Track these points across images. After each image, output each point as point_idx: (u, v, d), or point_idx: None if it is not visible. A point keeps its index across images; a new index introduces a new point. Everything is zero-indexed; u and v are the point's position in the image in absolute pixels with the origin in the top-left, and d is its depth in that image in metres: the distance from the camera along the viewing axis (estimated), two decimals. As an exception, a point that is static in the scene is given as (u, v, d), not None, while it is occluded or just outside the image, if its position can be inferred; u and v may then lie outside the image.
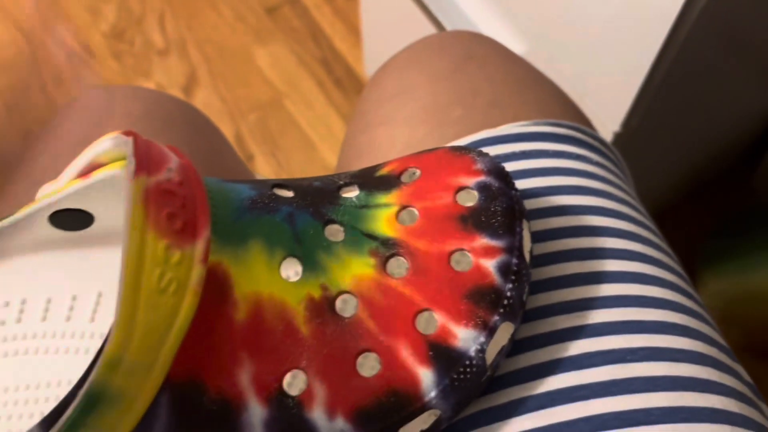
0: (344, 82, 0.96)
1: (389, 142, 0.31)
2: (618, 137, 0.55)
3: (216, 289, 0.19)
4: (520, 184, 0.27)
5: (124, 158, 0.21)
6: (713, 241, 0.76)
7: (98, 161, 0.22)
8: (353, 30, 1.00)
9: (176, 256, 0.18)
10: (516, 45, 0.59)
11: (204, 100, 0.95)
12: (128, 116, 0.32)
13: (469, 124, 0.30)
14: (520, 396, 0.23)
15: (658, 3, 0.43)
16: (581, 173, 0.28)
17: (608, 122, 0.54)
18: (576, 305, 0.24)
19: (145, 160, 0.18)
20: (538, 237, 0.26)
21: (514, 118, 0.30)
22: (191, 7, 1.01)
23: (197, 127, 0.35)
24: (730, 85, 0.63)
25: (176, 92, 0.95)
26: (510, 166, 0.28)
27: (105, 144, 0.20)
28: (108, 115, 0.32)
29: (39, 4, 1.02)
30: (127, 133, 0.19)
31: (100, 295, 0.25)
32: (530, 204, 0.27)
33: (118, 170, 0.21)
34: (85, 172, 0.22)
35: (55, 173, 0.31)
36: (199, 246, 0.18)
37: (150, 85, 0.96)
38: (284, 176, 0.90)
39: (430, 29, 0.68)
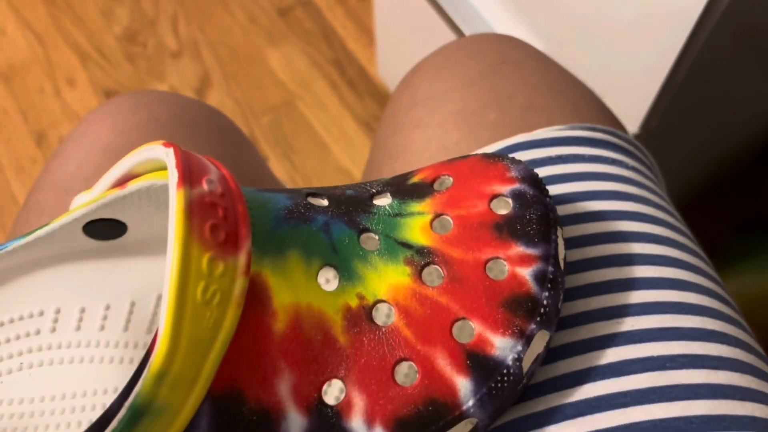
0: (357, 83, 0.96)
1: (423, 144, 0.31)
2: (636, 139, 0.55)
3: (256, 300, 0.19)
4: (557, 188, 0.27)
5: (159, 169, 0.21)
6: (731, 242, 0.75)
7: (134, 172, 0.22)
8: (366, 31, 1.00)
9: (220, 268, 0.18)
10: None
11: (217, 102, 0.95)
12: (154, 122, 0.33)
13: (503, 128, 0.30)
14: (559, 403, 0.23)
15: (680, 4, 0.43)
16: (618, 178, 0.28)
17: (627, 124, 0.54)
18: (614, 311, 0.24)
19: (187, 172, 0.18)
20: (575, 242, 0.26)
21: (549, 122, 0.30)
22: (204, 9, 1.02)
23: (223, 132, 0.35)
24: (748, 87, 0.63)
25: (189, 94, 0.95)
26: (546, 171, 0.28)
27: (142, 154, 0.21)
28: (134, 122, 0.32)
29: (52, 8, 1.02)
30: (167, 145, 0.19)
31: (133, 304, 0.25)
32: (567, 209, 0.27)
33: (154, 181, 0.21)
34: (121, 182, 0.22)
35: (81, 180, 0.31)
36: (242, 258, 0.18)
37: (163, 87, 0.96)
38: (298, 178, 0.90)
39: (443, 29, 0.68)
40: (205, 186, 0.18)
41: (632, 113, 0.52)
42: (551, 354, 0.24)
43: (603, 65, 0.52)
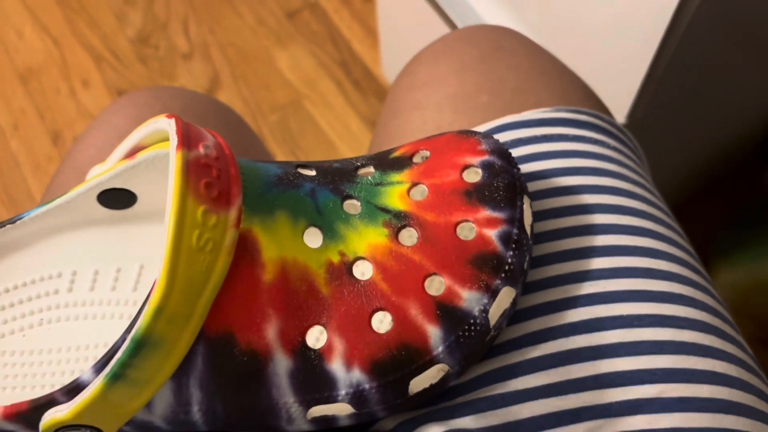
0: (362, 83, 0.98)
1: (420, 125, 0.33)
2: (625, 128, 0.57)
3: (246, 252, 0.22)
4: (541, 164, 0.29)
5: (165, 140, 0.24)
6: (726, 232, 0.77)
7: (142, 144, 0.24)
8: (371, 33, 1.02)
9: (212, 219, 0.20)
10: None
11: (226, 102, 0.98)
12: (167, 112, 0.35)
13: (495, 110, 0.32)
14: (534, 356, 0.25)
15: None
16: (598, 156, 0.30)
17: (615, 114, 0.56)
18: (588, 275, 0.26)
19: (185, 137, 0.21)
20: (555, 213, 0.28)
21: (538, 105, 0.32)
22: (214, 12, 1.05)
23: (230, 124, 0.38)
24: (738, 78, 0.65)
25: (200, 94, 0.98)
26: (532, 149, 0.30)
27: (149, 126, 0.23)
28: (149, 112, 0.35)
29: (68, 12, 1.06)
30: (169, 116, 0.22)
31: (141, 267, 0.27)
32: (550, 183, 0.29)
33: (159, 150, 0.24)
34: (131, 153, 0.25)
35: (100, 162, 0.34)
36: (233, 212, 0.21)
37: (175, 87, 0.99)
38: (305, 174, 0.93)
39: (444, 29, 0.70)
40: (201, 150, 0.21)
41: (619, 103, 0.54)
42: (527, 312, 0.26)
43: (590, 57, 0.54)
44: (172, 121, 0.21)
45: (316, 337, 0.23)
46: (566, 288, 0.26)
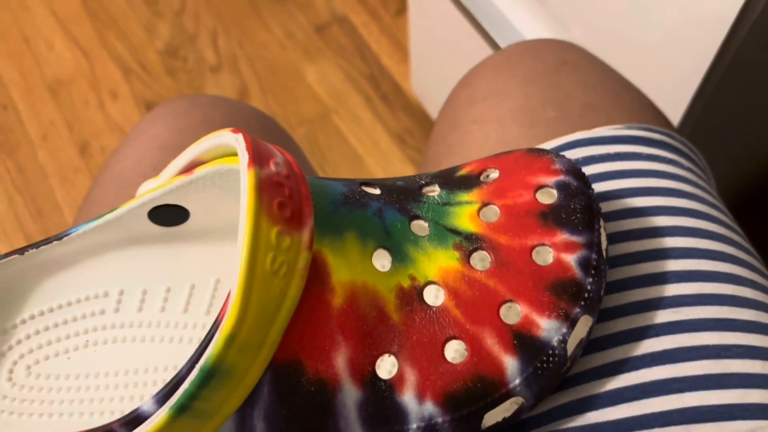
0: (391, 97, 0.97)
1: (483, 139, 0.31)
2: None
3: (316, 275, 0.20)
4: (615, 184, 0.28)
5: (225, 155, 0.23)
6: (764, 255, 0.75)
7: (199, 159, 0.23)
8: (400, 47, 1.01)
9: (286, 241, 0.19)
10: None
11: (254, 115, 0.97)
12: (209, 123, 0.34)
13: (563, 125, 0.30)
14: (614, 387, 0.23)
15: (713, 13, 0.44)
16: (674, 177, 0.29)
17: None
18: (670, 301, 0.25)
19: (256, 154, 0.20)
20: (634, 235, 0.27)
21: (608, 122, 0.30)
22: (243, 25, 1.04)
23: (274, 136, 0.36)
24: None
25: (228, 107, 0.98)
26: (605, 167, 0.29)
27: (211, 141, 0.22)
28: (190, 122, 0.34)
29: (98, 24, 1.06)
30: (234, 131, 0.21)
31: (192, 287, 0.26)
32: (626, 203, 0.28)
33: (221, 166, 0.22)
34: (187, 169, 0.24)
35: (140, 175, 0.33)
36: (306, 233, 0.20)
37: (202, 100, 0.99)
38: (332, 189, 0.91)
39: (480, 44, 0.69)
40: (272, 167, 0.20)
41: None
42: (607, 340, 0.24)
43: (636, 75, 0.53)
44: (240, 136, 0.20)
45: (386, 366, 0.21)
46: (646, 315, 0.25)
